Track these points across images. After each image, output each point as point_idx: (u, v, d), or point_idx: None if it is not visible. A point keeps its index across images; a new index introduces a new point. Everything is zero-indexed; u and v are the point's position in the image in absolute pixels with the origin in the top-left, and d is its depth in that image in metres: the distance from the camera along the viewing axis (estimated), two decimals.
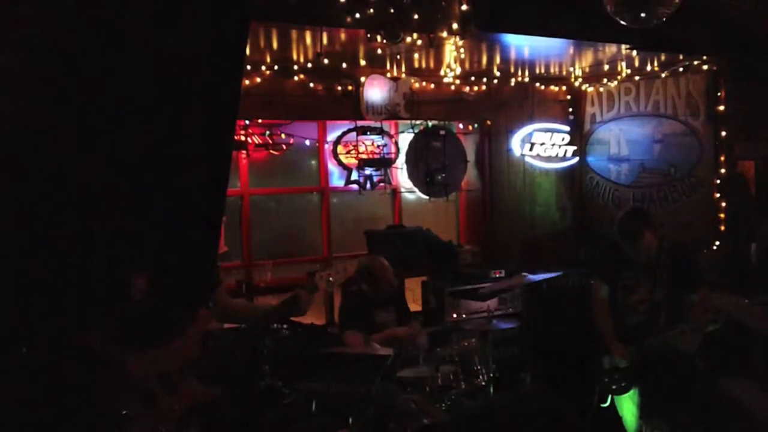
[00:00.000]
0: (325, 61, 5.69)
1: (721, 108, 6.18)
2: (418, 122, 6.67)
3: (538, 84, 7.24)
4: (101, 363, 3.01)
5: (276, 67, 5.82)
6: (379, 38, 4.51)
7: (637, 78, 6.87)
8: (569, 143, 7.40)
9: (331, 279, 3.94)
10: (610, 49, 5.82)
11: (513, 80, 7.02)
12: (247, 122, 5.91)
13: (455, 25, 4.68)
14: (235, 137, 5.55)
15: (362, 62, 5.99)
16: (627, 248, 4.20)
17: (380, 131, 6.50)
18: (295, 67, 5.89)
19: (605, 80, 7.13)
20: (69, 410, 2.89)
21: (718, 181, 6.23)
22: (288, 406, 4.18)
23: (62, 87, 2.77)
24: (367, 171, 6.47)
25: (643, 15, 3.78)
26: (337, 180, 6.70)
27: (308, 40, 5.11)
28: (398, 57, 5.74)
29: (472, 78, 6.74)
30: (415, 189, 6.78)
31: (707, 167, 6.33)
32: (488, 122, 7.12)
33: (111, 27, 2.78)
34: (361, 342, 4.57)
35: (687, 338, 4.01)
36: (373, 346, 4.43)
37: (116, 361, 3.06)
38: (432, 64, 6.22)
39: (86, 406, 2.93)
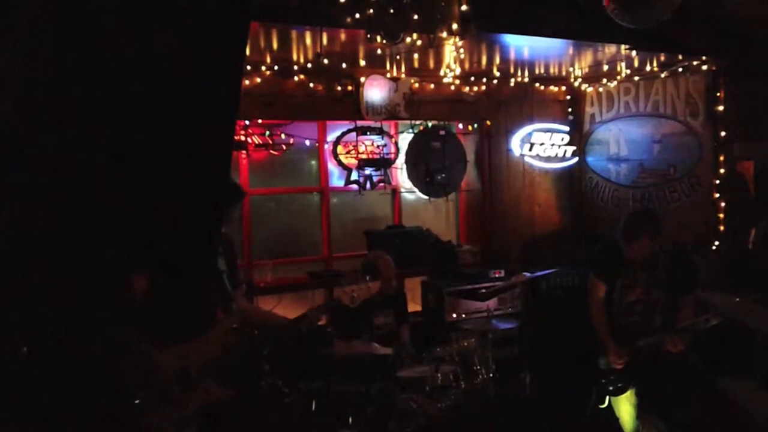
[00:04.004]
0: (325, 61, 5.69)
1: (721, 108, 6.18)
2: (418, 122, 6.68)
3: (537, 84, 7.25)
4: (126, 352, 3.03)
5: (276, 67, 5.82)
6: (379, 38, 4.51)
7: (636, 78, 6.87)
8: (569, 143, 7.40)
9: (355, 295, 3.99)
10: (610, 49, 5.82)
11: (513, 80, 7.03)
12: (247, 122, 5.91)
13: (455, 26, 4.68)
14: (235, 137, 5.55)
15: (362, 62, 5.99)
16: (623, 246, 4.21)
17: (380, 131, 6.51)
18: (295, 67, 5.89)
19: (605, 80, 7.13)
20: (73, 407, 2.89)
21: (718, 181, 6.23)
22: (288, 406, 4.19)
23: (62, 87, 2.77)
24: (367, 171, 6.47)
25: (642, 15, 3.78)
26: (337, 180, 6.71)
27: (308, 40, 5.11)
28: (398, 57, 5.74)
29: (472, 78, 6.75)
30: (415, 189, 6.79)
31: (707, 167, 6.34)
32: (488, 122, 7.13)
33: (111, 27, 2.79)
34: (345, 350, 4.58)
35: (675, 341, 4.00)
36: (374, 347, 4.44)
37: (143, 354, 3.09)
38: (432, 65, 6.22)
39: (99, 399, 2.95)
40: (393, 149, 6.68)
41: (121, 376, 3.01)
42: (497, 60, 6.23)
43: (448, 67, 6.31)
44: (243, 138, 5.90)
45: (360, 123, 6.37)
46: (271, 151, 6.17)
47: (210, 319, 3.50)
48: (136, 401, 3.02)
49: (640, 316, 4.26)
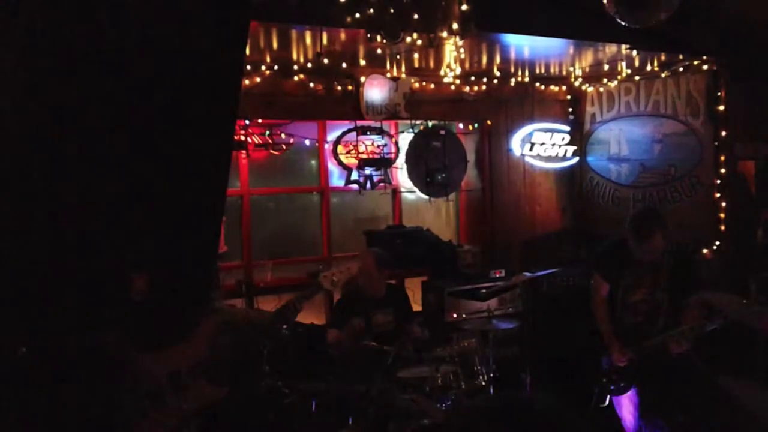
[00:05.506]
0: (325, 61, 5.68)
1: (721, 108, 6.17)
2: (418, 122, 6.67)
3: (538, 84, 7.24)
4: (114, 361, 3.03)
5: (276, 67, 5.81)
6: (379, 38, 4.51)
7: (637, 78, 6.86)
8: (569, 143, 7.39)
9: (335, 279, 3.96)
10: (610, 49, 5.81)
11: (513, 80, 7.02)
12: (247, 122, 5.91)
13: (455, 25, 4.68)
14: (235, 137, 5.55)
15: (362, 62, 5.98)
16: (635, 246, 4.18)
17: (380, 131, 6.50)
18: (295, 67, 5.89)
19: (605, 80, 7.12)
20: (71, 409, 2.89)
21: (718, 181, 6.23)
22: (288, 406, 4.18)
23: (62, 87, 2.77)
24: (367, 171, 6.47)
25: (643, 15, 3.78)
26: (337, 180, 6.70)
27: (308, 40, 5.11)
28: (398, 57, 5.73)
29: (472, 78, 6.74)
30: (415, 189, 6.78)
31: (707, 167, 6.33)
32: (488, 122, 7.12)
33: (111, 27, 2.78)
34: (337, 336, 4.60)
35: (679, 341, 4.00)
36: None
37: (129, 359, 3.08)
38: (432, 64, 6.22)
39: (92, 404, 2.94)
40: (393, 149, 6.68)
41: (110, 380, 3.00)
42: (497, 60, 6.23)
43: (449, 66, 6.30)
44: (243, 138, 5.89)
45: (360, 123, 6.36)
46: (271, 151, 6.17)
47: (196, 319, 3.48)
48: (127, 405, 3.01)
49: (644, 317, 4.26)
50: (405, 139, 6.76)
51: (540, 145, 7.28)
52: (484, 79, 6.81)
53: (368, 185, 6.47)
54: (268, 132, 6.11)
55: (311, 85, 6.00)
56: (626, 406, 4.31)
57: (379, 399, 3.99)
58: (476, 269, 6.45)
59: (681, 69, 6.43)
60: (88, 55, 2.77)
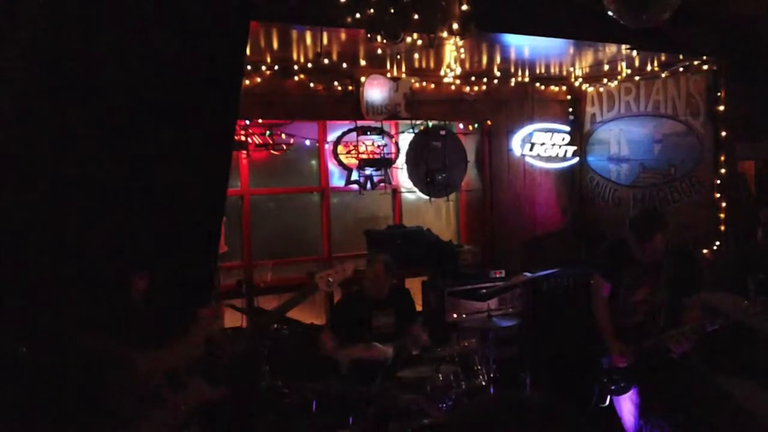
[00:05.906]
0: (325, 61, 5.69)
1: (721, 108, 6.18)
2: (418, 122, 6.67)
3: (538, 84, 7.24)
4: (109, 362, 3.02)
5: (276, 67, 5.82)
6: (379, 38, 4.51)
7: (637, 78, 6.86)
8: (569, 143, 7.39)
9: (330, 279, 3.96)
10: (610, 49, 5.81)
11: (513, 80, 7.02)
12: (247, 122, 5.91)
13: (455, 25, 4.68)
14: (235, 137, 5.55)
15: (362, 62, 5.99)
16: (636, 247, 4.19)
17: (380, 131, 6.50)
18: (295, 67, 5.89)
19: (605, 80, 7.12)
20: (70, 409, 2.89)
21: (718, 181, 6.23)
22: (288, 406, 4.18)
23: (63, 88, 2.77)
24: (368, 171, 6.47)
25: (643, 15, 3.78)
26: (337, 180, 6.70)
27: (308, 40, 5.11)
28: (398, 57, 5.73)
29: (472, 78, 6.74)
30: (415, 189, 6.78)
31: (707, 167, 6.33)
32: (488, 122, 7.12)
33: (112, 28, 2.79)
34: (330, 343, 4.59)
35: (679, 341, 4.00)
36: (376, 347, 4.43)
37: (125, 360, 3.07)
38: (432, 64, 6.22)
39: (89, 404, 2.94)
40: (393, 149, 6.68)
41: (110, 381, 3.00)
42: (498, 60, 6.23)
43: (449, 66, 6.30)
44: (243, 138, 5.90)
45: (360, 123, 6.37)
46: (271, 151, 6.17)
47: (192, 317, 3.48)
48: (127, 405, 3.01)
49: (644, 317, 4.26)
50: (405, 139, 6.77)
51: (540, 145, 7.28)
52: (484, 79, 6.81)
53: (368, 185, 6.47)
54: (268, 132, 6.11)
55: (311, 85, 6.00)
56: (626, 406, 4.31)
57: (379, 399, 3.99)
58: (476, 269, 6.45)
59: (681, 69, 6.43)
60: (88, 55, 2.77)
